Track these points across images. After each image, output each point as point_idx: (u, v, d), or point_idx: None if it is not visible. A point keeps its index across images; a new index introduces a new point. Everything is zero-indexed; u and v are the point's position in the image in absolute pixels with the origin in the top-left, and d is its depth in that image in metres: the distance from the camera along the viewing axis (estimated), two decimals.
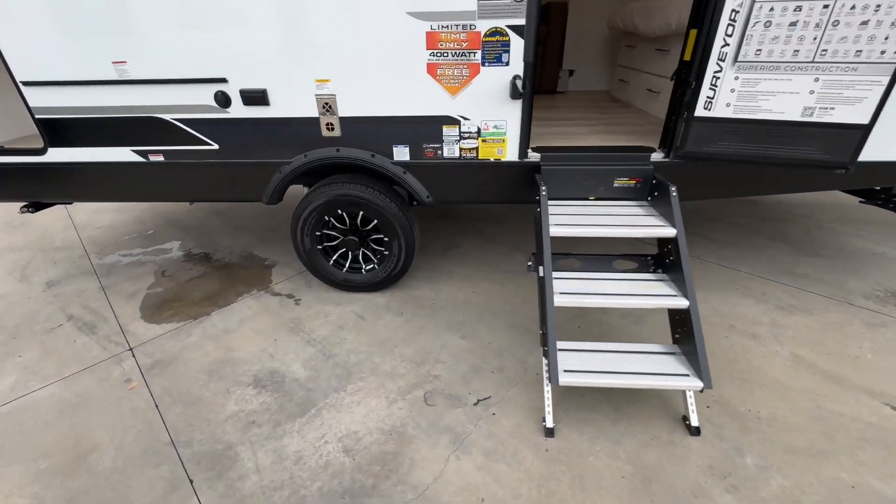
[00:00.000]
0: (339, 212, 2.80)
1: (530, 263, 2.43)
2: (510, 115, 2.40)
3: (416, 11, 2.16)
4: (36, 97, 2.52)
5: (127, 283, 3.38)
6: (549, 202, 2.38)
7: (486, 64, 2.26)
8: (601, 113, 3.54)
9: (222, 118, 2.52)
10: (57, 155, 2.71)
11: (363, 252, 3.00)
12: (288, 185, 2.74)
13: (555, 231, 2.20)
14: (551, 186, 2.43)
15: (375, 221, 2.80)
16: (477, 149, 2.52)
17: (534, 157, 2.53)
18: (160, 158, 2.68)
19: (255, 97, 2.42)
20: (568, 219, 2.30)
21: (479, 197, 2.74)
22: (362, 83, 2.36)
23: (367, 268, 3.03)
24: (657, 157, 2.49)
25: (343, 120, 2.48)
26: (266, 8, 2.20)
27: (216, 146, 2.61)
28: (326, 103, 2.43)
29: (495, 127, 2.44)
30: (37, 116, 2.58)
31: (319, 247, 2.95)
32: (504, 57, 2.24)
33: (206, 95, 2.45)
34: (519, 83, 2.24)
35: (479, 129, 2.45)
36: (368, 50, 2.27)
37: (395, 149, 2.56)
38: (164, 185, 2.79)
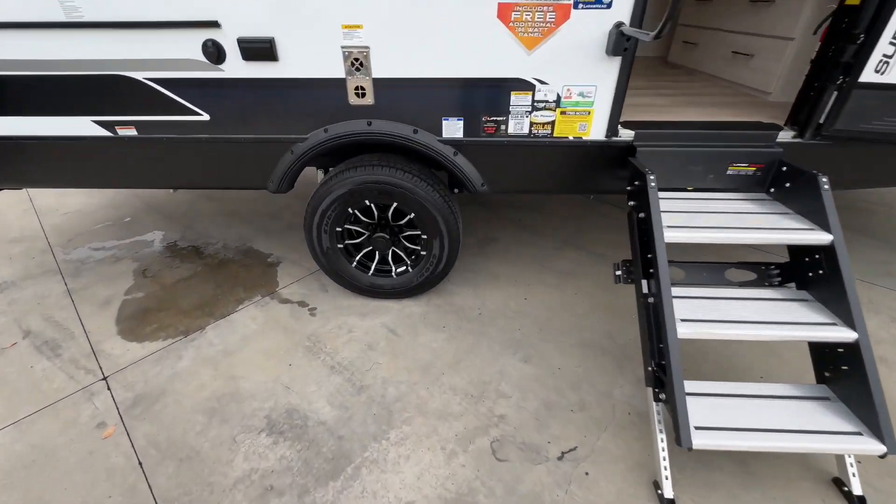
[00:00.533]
0: (367, 203, 2.21)
1: (620, 273, 1.90)
2: (602, 79, 1.81)
3: None
4: None
5: (99, 285, 2.77)
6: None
7: (580, 6, 1.65)
8: (673, 81, 2.95)
9: (214, 78, 1.88)
10: None
11: (393, 251, 2.43)
12: (302, 168, 2.13)
13: (671, 235, 1.66)
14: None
15: (412, 215, 2.23)
16: (553, 123, 1.93)
17: (625, 134, 1.96)
18: (132, 132, 2.04)
19: (259, 49, 1.78)
20: (682, 218, 1.76)
21: (548, 186, 2.17)
22: (407, 31, 1.74)
23: (399, 270, 2.47)
24: (786, 136, 1.93)
25: (378, 82, 1.86)
26: None
27: (206, 116, 1.98)
28: (357, 59, 1.80)
29: (580, 95, 1.85)
30: None
31: (340, 245, 2.37)
32: None
33: (190, 46, 1.80)
34: (626, 30, 1.64)
35: (558, 98, 1.86)
36: None
37: (444, 122, 1.96)
38: (137, 168, 2.16)
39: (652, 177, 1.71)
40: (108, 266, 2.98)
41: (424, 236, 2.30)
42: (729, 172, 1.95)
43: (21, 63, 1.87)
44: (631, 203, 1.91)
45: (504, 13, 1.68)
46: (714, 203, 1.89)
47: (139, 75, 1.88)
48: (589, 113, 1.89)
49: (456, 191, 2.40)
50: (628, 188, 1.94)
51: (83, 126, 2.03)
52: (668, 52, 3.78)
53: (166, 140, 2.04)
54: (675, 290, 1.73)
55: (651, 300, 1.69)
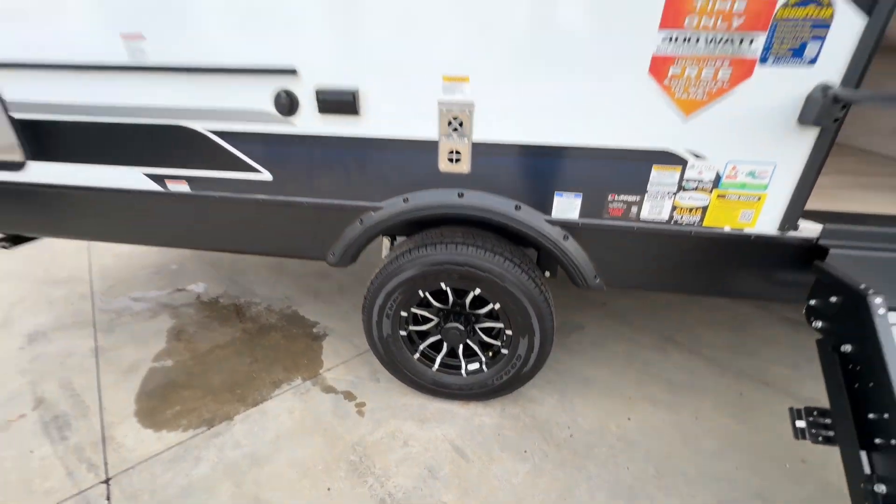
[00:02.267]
0: (442, 286, 1.78)
1: (803, 426, 1.32)
2: (786, 155, 1.33)
3: None
4: (11, 86, 1.67)
5: (129, 346, 2.47)
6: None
7: (770, 60, 1.22)
8: (861, 165, 2.39)
9: (282, 133, 1.57)
10: (39, 172, 1.84)
11: (467, 344, 1.96)
12: (370, 240, 1.76)
13: None
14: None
15: (496, 305, 1.77)
16: (705, 209, 1.45)
17: (807, 229, 1.44)
18: (183, 188, 1.76)
19: (340, 101, 1.46)
20: None
21: (684, 286, 1.66)
22: (526, 87, 1.36)
23: (471, 368, 1.98)
24: None
25: (478, 147, 1.48)
26: None
27: (268, 176, 1.67)
28: (456, 117, 1.44)
29: (750, 175, 1.38)
30: (12, 115, 1.72)
31: (404, 333, 1.93)
32: (811, 48, 1.19)
33: (261, 96, 1.52)
34: (839, 93, 1.18)
35: (717, 177, 1.40)
36: (547, 29, 1.28)
37: (557, 198, 1.53)
38: (185, 227, 1.87)
39: (879, 300, 1.16)
40: (143, 322, 2.70)
41: (509, 332, 1.82)
42: None
43: (73, 107, 1.66)
44: (819, 325, 1.36)
45: (659, 68, 1.27)
46: None
47: (200, 126, 1.62)
48: (759, 198, 1.40)
49: (547, 273, 1.93)
50: (812, 302, 1.39)
51: (132, 177, 1.77)
52: None
53: (220, 199, 1.74)
54: None
55: (883, 489, 1.09)
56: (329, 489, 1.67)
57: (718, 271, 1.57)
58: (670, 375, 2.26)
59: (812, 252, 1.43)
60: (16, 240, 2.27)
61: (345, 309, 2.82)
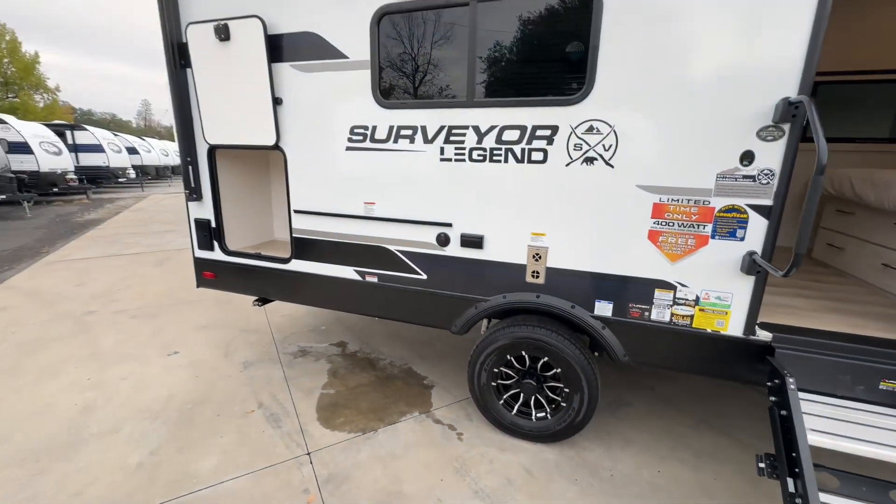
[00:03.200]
0: (522, 353, 2.77)
1: (763, 466, 2.01)
2: (738, 289, 2.23)
3: (647, 185, 2.26)
4: (299, 221, 3.17)
5: (305, 377, 3.70)
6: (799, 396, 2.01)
7: (717, 237, 2.20)
8: (817, 282, 3.13)
9: (438, 254, 2.82)
10: (296, 265, 3.28)
11: (536, 397, 2.85)
12: (479, 320, 2.85)
13: (815, 439, 1.81)
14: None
15: (559, 370, 2.69)
16: (692, 317, 2.35)
17: (763, 335, 2.25)
18: (374, 280, 3.05)
19: (473, 241, 2.69)
20: (829, 424, 1.90)
21: (687, 366, 2.48)
22: (577, 241, 2.47)
23: (539, 415, 2.85)
24: None
25: (550, 270, 2.57)
26: (503, 174, 2.53)
27: (425, 277, 2.90)
28: (537, 254, 2.57)
29: (718, 298, 2.28)
30: (294, 235, 3.21)
31: (494, 383, 2.91)
32: (739, 233, 2.16)
33: (429, 235, 2.80)
34: (757, 260, 2.10)
35: (697, 298, 2.31)
36: (590, 214, 2.41)
37: (597, 303, 2.52)
38: (372, 302, 3.13)
39: (791, 380, 1.94)
40: (310, 363, 3.97)
41: (567, 390, 2.70)
42: (882, 388, 2.04)
43: (330, 234, 3.09)
44: (772, 398, 2.10)
45: (653, 236, 2.31)
46: (870, 416, 1.97)
47: (393, 247, 2.93)
48: (727, 313, 2.28)
49: (596, 354, 2.83)
50: (768, 384, 2.15)
51: (347, 272, 3.12)
52: (812, 247, 3.95)
53: (395, 287, 2.99)
54: (827, 498, 1.78)
55: (798, 501, 1.78)
56: (442, 480, 2.57)
57: (707, 358, 2.38)
58: (700, 447, 2.88)
59: (768, 350, 2.22)
60: (264, 301, 3.74)
61: (444, 370, 3.85)
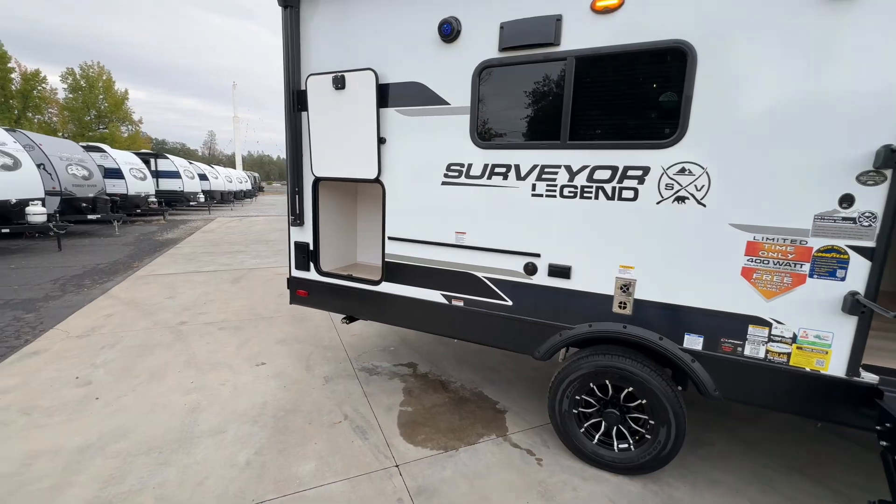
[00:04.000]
0: (605, 382, 2.85)
1: None
2: (839, 328, 2.24)
3: (741, 224, 2.37)
4: (392, 247, 3.47)
5: (382, 394, 3.91)
6: None
7: (815, 276, 2.25)
8: None
9: (524, 282, 3.00)
10: (386, 287, 3.56)
11: (618, 429, 2.90)
12: (562, 347, 2.97)
13: None
14: None
15: (643, 401, 2.74)
16: (789, 354, 2.37)
17: (868, 377, 2.23)
18: (460, 304, 3.26)
19: (560, 271, 2.86)
20: None
21: (783, 405, 2.47)
22: (667, 274, 2.58)
23: (621, 447, 2.88)
24: None
25: (638, 302, 2.68)
26: (593, 210, 2.72)
27: (510, 303, 3.08)
28: (625, 285, 2.69)
29: (817, 337, 2.30)
30: (386, 260, 3.52)
31: (575, 410, 2.98)
32: (839, 273, 2.20)
33: (517, 264, 3.00)
34: (862, 300, 2.13)
35: (794, 336, 2.34)
36: (681, 250, 2.52)
37: (686, 336, 2.59)
38: (456, 325, 3.33)
39: None
40: (385, 381, 4.18)
41: (652, 422, 2.74)
42: None
43: (420, 259, 3.36)
44: (883, 443, 2.07)
45: (747, 273, 2.39)
46: None
47: (480, 274, 3.15)
48: (827, 352, 2.28)
49: (679, 388, 2.85)
50: (878, 428, 2.12)
51: (434, 296, 3.36)
52: None
53: (480, 312, 3.19)
54: None
55: None
56: (527, 503, 2.65)
57: (805, 397, 2.37)
58: (793, 494, 2.79)
59: (874, 393, 2.20)
60: (351, 319, 4.04)
61: (514, 395, 3.94)
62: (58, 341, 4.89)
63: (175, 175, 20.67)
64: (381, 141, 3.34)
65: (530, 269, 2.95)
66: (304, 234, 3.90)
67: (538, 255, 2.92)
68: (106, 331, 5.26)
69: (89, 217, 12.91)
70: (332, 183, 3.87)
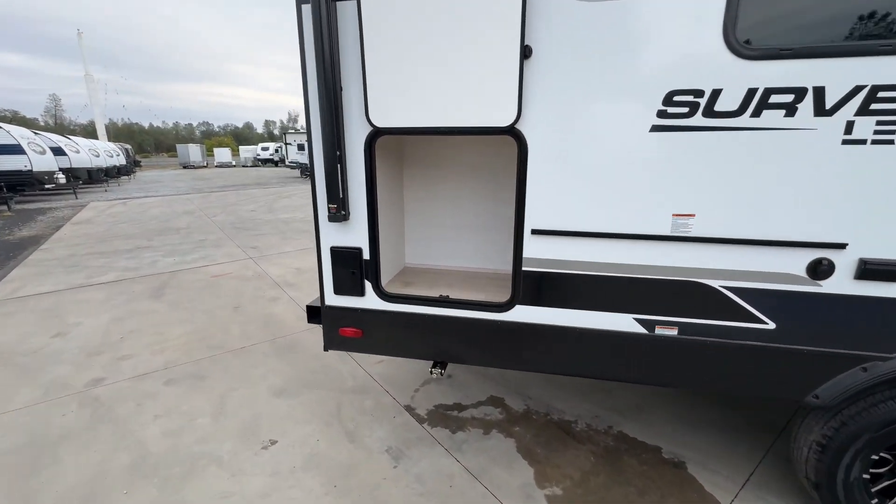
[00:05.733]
0: None
1: None
2: None
3: None
4: (538, 246, 2.02)
5: (497, 468, 2.55)
6: None
7: None
8: None
9: (804, 291, 1.81)
10: (524, 314, 2.12)
11: None
12: (870, 387, 1.87)
13: None
14: None
15: None
16: None
17: None
18: (671, 332, 1.98)
19: (883, 271, 1.70)
20: None
21: None
22: None
23: None
24: None
25: None
26: None
27: (771, 325, 1.88)
28: None
29: None
30: (524, 269, 2.06)
31: (865, 475, 1.96)
32: None
33: (795, 262, 1.78)
34: None
35: None
36: None
37: None
38: (661, 367, 2.05)
39: None
40: (480, 439, 2.81)
41: None
42: None
43: (586, 263, 1.97)
44: None
45: None
46: None
47: (716, 283, 1.88)
48: None
49: None
50: None
51: (619, 322, 2.02)
52: None
53: (709, 343, 1.94)
54: None
55: None
56: None
57: None
58: None
59: None
60: (442, 365, 2.49)
61: (668, 432, 2.84)
62: None
63: (16, 150, 15.42)
64: (525, 54, 1.78)
65: (821, 270, 1.76)
66: (352, 234, 2.23)
67: (841, 247, 1.73)
68: None
69: None
70: (384, 141, 2.22)
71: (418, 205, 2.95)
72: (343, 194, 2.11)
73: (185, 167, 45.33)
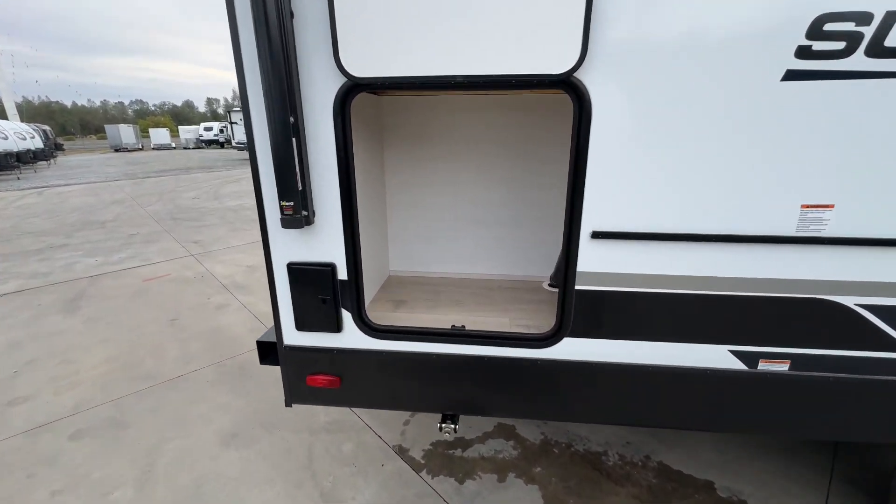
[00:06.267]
0: None
1: None
2: None
3: None
4: (597, 255, 1.39)
5: None
6: None
7: None
8: None
9: None
10: (576, 348, 1.51)
11: None
12: None
13: None
14: None
15: None
16: None
17: None
18: (781, 367, 1.44)
19: None
20: None
21: None
22: None
23: None
24: None
25: None
26: None
27: None
28: None
29: None
30: (578, 287, 1.43)
31: None
32: None
33: None
34: None
35: None
36: None
37: None
38: (767, 412, 1.51)
39: None
40: (497, 489, 2.23)
41: None
42: None
43: (667, 278, 1.38)
44: None
45: None
46: None
47: (848, 301, 1.34)
48: None
49: None
50: None
51: (709, 355, 1.45)
52: None
53: (835, 380, 1.42)
54: None
55: None
56: None
57: None
58: None
59: None
60: (453, 419, 1.83)
61: (716, 462, 2.38)
62: None
63: None
64: None
65: None
66: (319, 244, 1.50)
67: None
68: None
69: None
70: (360, 102, 1.48)
71: (404, 194, 2.24)
72: (303, 185, 1.37)
73: (116, 150, 41.02)
